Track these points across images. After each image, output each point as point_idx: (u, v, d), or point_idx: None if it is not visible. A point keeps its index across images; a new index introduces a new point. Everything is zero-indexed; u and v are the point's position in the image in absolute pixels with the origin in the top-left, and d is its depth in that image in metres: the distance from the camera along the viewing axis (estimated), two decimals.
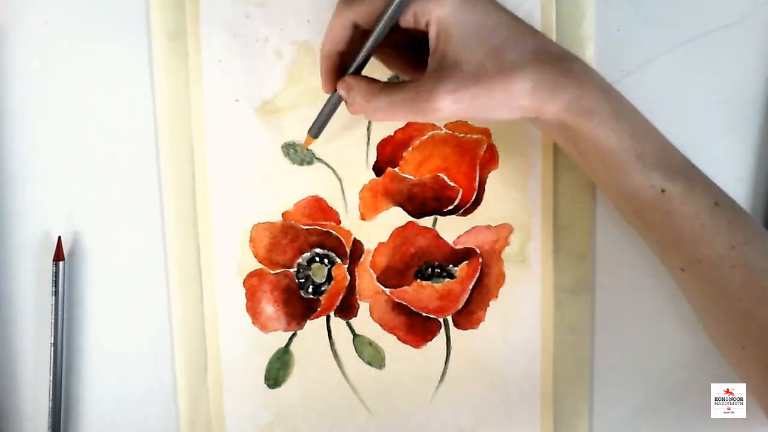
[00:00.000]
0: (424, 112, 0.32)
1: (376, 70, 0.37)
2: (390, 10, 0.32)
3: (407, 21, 0.32)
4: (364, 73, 0.35)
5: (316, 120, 0.37)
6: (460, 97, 0.31)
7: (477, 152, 0.40)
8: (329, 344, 0.42)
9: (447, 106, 0.32)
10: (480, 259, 0.41)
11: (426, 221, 0.41)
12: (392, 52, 0.36)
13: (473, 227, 0.41)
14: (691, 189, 0.33)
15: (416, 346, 0.42)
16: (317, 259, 0.41)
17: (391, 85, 0.33)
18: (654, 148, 0.33)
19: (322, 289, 0.41)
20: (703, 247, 0.33)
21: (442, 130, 0.40)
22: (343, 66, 0.34)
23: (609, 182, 0.34)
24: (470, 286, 0.41)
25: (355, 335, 0.42)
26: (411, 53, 0.36)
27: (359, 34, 0.33)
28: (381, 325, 0.42)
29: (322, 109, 0.37)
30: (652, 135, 0.34)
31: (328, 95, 0.36)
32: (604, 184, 0.36)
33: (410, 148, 0.40)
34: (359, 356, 0.42)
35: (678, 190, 0.33)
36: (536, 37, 0.33)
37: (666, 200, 0.33)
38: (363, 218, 0.41)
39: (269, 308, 0.42)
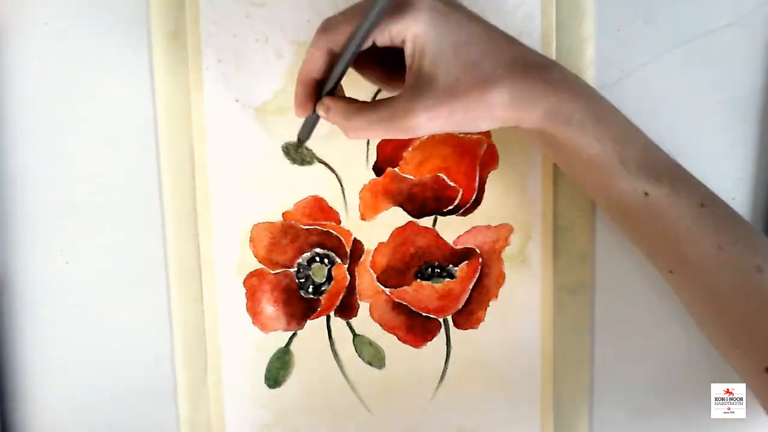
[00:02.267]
0: (402, 131, 0.32)
1: (361, 85, 0.37)
2: (359, 35, 0.31)
3: (384, 41, 0.32)
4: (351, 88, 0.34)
5: (302, 129, 0.37)
6: (436, 113, 0.31)
7: (477, 152, 0.40)
8: (329, 344, 0.42)
9: (423, 123, 0.32)
10: (480, 259, 0.41)
11: (426, 221, 0.41)
12: (375, 68, 0.36)
13: (473, 227, 0.41)
14: (676, 191, 0.33)
15: (416, 346, 0.42)
16: (317, 259, 0.41)
17: (368, 105, 0.33)
18: (637, 151, 0.33)
19: (322, 289, 0.42)
20: (689, 249, 0.33)
21: None
22: (320, 90, 0.34)
23: (593, 187, 0.35)
24: (470, 286, 0.41)
25: (355, 335, 0.42)
26: (394, 67, 0.35)
27: (336, 59, 0.33)
28: (381, 325, 0.42)
29: (305, 123, 0.36)
30: (635, 138, 0.34)
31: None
32: (589, 189, 0.36)
33: (410, 148, 0.40)
34: (359, 356, 0.42)
35: (662, 193, 0.33)
36: (512, 47, 0.33)
37: (650, 203, 0.33)
38: (363, 218, 0.41)
39: (269, 308, 0.42)
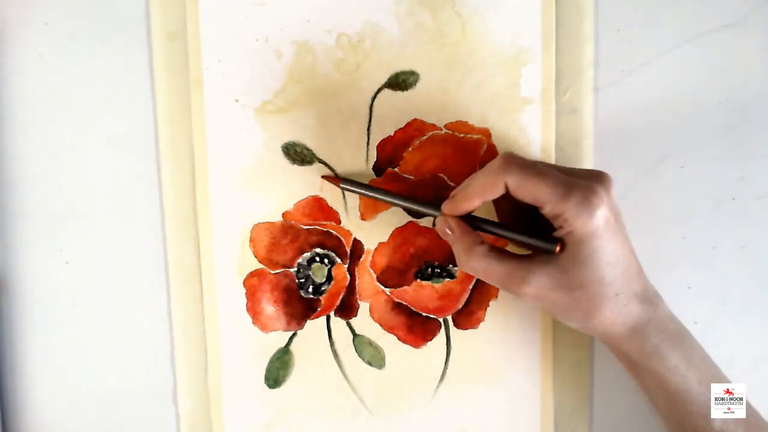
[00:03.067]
0: (511, 291, 0.35)
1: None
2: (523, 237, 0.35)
3: (547, 211, 0.33)
4: None
5: (356, 182, 0.39)
6: (546, 297, 0.34)
7: (477, 152, 0.40)
8: (329, 344, 0.42)
9: (531, 296, 0.34)
10: None
11: (426, 221, 0.41)
12: (508, 209, 0.38)
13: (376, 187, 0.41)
14: None
15: (416, 346, 0.42)
16: (317, 259, 0.41)
17: (491, 253, 0.35)
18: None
19: (322, 289, 0.42)
20: None
21: (442, 130, 0.40)
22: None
23: (669, 414, 0.36)
24: (470, 286, 0.41)
25: (355, 335, 0.42)
26: (520, 216, 0.37)
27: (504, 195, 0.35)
28: (381, 325, 0.42)
29: (376, 190, 0.38)
30: (719, 381, 0.36)
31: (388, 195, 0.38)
32: (663, 414, 0.37)
33: (410, 148, 0.40)
34: (359, 356, 0.42)
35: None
36: (640, 279, 0.35)
37: None
38: (363, 218, 0.41)
39: (269, 308, 0.42)
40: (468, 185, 0.35)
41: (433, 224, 0.38)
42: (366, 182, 0.40)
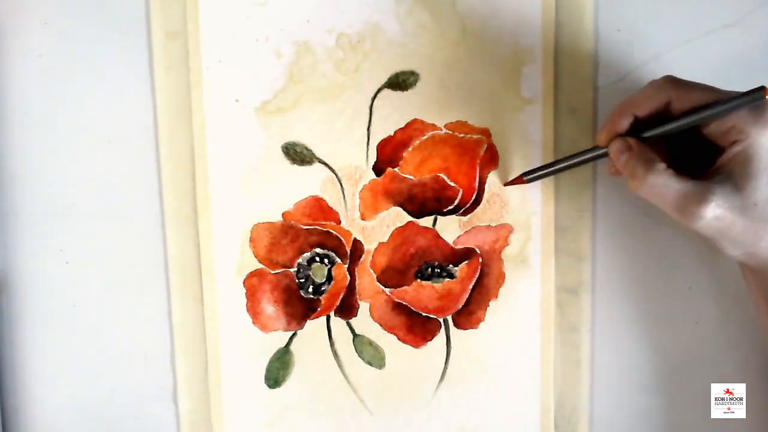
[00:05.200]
0: (687, 212, 0.33)
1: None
2: (713, 110, 0.32)
3: (715, 128, 0.33)
4: None
5: (543, 167, 0.38)
6: (723, 217, 0.32)
7: (477, 152, 0.40)
8: (329, 344, 0.42)
9: (709, 220, 0.32)
10: (480, 259, 0.41)
11: (426, 221, 0.41)
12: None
13: (473, 227, 0.41)
14: None
15: (416, 346, 0.42)
16: (317, 259, 0.41)
17: (670, 170, 0.33)
18: None
19: (322, 289, 0.41)
20: None
21: (442, 130, 0.40)
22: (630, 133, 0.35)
23: None
24: (470, 286, 0.41)
25: (355, 335, 0.42)
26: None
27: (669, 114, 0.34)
28: (381, 325, 0.42)
29: (565, 160, 0.38)
30: None
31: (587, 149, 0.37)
32: None
33: (410, 148, 0.40)
34: (359, 356, 0.42)
35: None
36: None
37: None
38: (363, 218, 0.41)
39: (269, 308, 0.42)
40: (622, 103, 0.35)
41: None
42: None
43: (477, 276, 0.41)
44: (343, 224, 0.41)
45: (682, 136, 0.34)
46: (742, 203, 0.32)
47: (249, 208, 0.41)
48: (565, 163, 0.38)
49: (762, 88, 0.31)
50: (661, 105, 0.34)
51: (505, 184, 0.40)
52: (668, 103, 0.34)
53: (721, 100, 0.32)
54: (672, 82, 0.34)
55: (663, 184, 0.33)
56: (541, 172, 0.39)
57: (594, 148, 0.37)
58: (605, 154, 0.36)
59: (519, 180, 0.39)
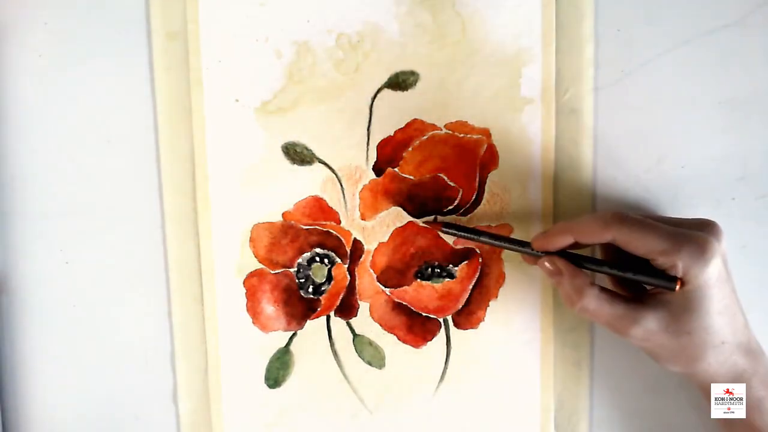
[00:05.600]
0: (619, 332, 0.35)
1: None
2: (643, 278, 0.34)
3: (656, 261, 0.34)
4: None
5: (455, 227, 0.39)
6: (653, 340, 0.34)
7: (477, 152, 0.40)
8: (329, 344, 0.42)
9: (639, 338, 0.34)
10: (480, 259, 0.41)
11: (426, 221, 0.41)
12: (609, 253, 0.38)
13: (473, 227, 0.41)
14: None
15: (416, 346, 0.42)
16: (317, 259, 0.41)
17: (603, 294, 0.35)
18: None
19: (322, 289, 0.41)
20: None
21: (442, 130, 0.40)
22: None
23: None
24: (470, 286, 0.41)
25: (355, 335, 0.42)
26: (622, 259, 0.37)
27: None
28: (381, 325, 0.42)
29: (481, 234, 0.39)
30: None
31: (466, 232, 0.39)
32: None
33: (410, 148, 0.40)
34: (359, 356, 0.42)
35: None
36: (746, 331, 0.35)
37: None
38: (363, 218, 0.41)
39: (269, 308, 0.42)
40: (567, 225, 0.35)
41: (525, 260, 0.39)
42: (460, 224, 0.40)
43: (477, 276, 0.41)
44: (343, 224, 0.41)
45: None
46: (676, 328, 0.34)
47: (249, 208, 0.41)
48: (490, 240, 0.38)
49: (676, 280, 0.33)
50: (603, 240, 0.34)
51: (423, 222, 0.41)
52: (612, 241, 0.34)
53: (641, 274, 0.34)
54: (619, 221, 0.34)
55: (595, 308, 0.34)
56: (459, 233, 0.39)
57: (521, 242, 0.38)
58: (535, 257, 0.37)
59: (437, 226, 0.40)
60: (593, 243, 0.35)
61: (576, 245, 0.36)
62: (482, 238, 0.38)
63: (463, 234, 0.39)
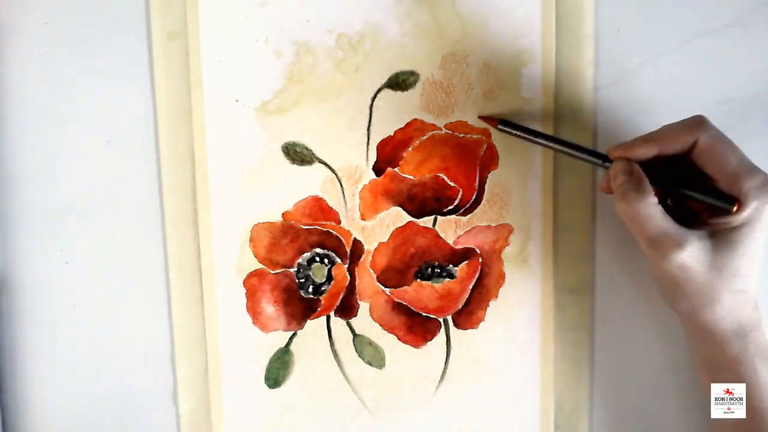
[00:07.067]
0: (660, 251, 0.33)
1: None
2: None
3: (721, 183, 0.33)
4: None
5: (514, 125, 0.38)
6: (687, 269, 0.33)
7: (477, 152, 0.40)
8: (329, 344, 0.42)
9: (675, 266, 0.33)
10: (480, 259, 0.41)
11: (426, 221, 0.41)
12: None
13: (473, 227, 0.41)
14: None
15: (416, 346, 0.42)
16: (317, 259, 0.41)
17: (659, 206, 0.34)
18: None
19: (322, 289, 0.41)
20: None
21: (442, 130, 0.40)
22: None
23: (738, 427, 0.36)
24: (470, 286, 0.41)
25: (355, 335, 0.42)
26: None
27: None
28: (381, 325, 0.42)
29: (557, 141, 0.37)
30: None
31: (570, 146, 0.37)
32: (734, 424, 0.37)
33: (410, 148, 0.40)
34: (359, 356, 0.42)
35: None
36: (758, 286, 0.35)
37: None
38: (363, 218, 0.41)
39: (269, 308, 0.42)
40: (648, 135, 0.35)
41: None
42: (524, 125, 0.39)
43: (477, 276, 0.41)
44: (343, 224, 0.41)
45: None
46: (710, 262, 0.33)
47: (249, 208, 0.41)
48: (554, 145, 0.37)
49: (735, 201, 0.32)
50: (687, 145, 0.34)
51: (480, 117, 0.40)
52: (694, 146, 0.34)
53: (701, 192, 0.33)
54: (706, 123, 0.34)
55: (647, 216, 0.33)
56: (519, 132, 0.38)
57: (593, 152, 0.37)
58: (601, 165, 0.36)
59: (492, 122, 0.39)
60: (676, 151, 0.34)
61: (655, 160, 0.35)
62: (540, 140, 0.37)
63: (522, 134, 0.38)
